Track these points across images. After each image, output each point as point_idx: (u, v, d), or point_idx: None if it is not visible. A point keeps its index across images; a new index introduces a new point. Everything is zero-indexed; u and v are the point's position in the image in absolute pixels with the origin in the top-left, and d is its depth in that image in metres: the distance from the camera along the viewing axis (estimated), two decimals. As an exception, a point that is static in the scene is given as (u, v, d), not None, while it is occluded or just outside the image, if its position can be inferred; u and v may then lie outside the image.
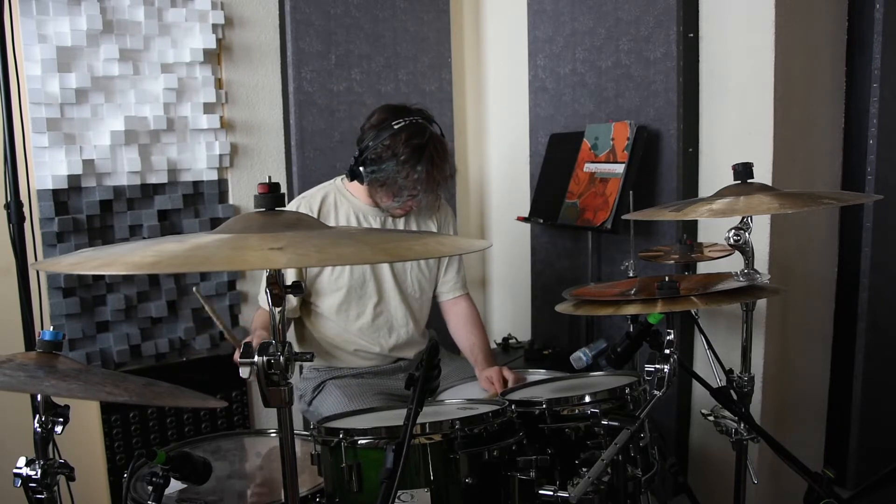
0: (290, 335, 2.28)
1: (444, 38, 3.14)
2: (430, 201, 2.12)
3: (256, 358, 1.09)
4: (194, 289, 1.52)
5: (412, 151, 1.96)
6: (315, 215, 2.11)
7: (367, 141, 2.03)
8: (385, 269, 2.18)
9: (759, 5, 2.16)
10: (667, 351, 1.44)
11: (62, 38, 2.37)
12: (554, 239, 2.99)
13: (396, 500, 1.25)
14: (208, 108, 2.65)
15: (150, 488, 1.32)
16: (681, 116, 2.36)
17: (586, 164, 2.61)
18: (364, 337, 2.19)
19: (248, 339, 1.88)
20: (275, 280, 1.10)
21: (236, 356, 1.84)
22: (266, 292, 1.10)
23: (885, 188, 2.28)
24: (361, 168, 2.04)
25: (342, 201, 2.17)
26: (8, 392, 1.09)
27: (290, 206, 2.13)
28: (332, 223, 2.12)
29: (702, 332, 1.88)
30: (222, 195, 2.72)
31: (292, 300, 2.12)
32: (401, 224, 2.20)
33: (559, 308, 1.72)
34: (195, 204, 2.67)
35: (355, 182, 2.13)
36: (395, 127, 1.99)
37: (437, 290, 2.32)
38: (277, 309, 1.11)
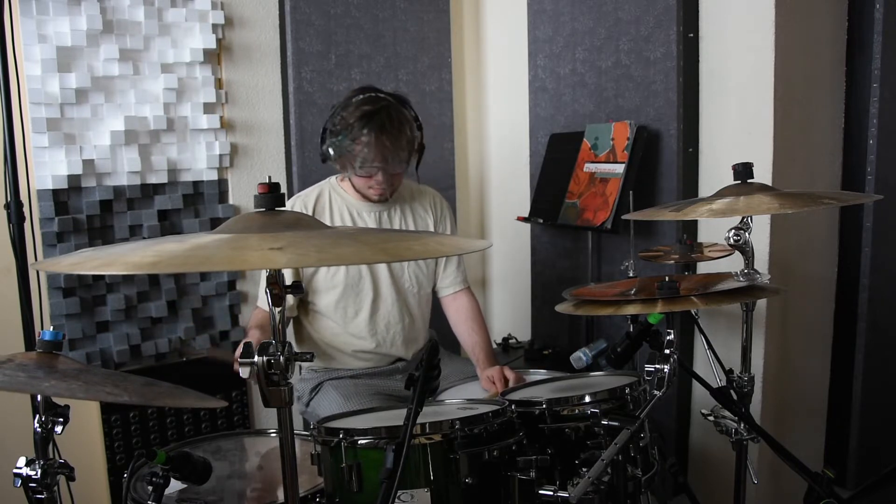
0: (289, 335, 2.29)
1: (444, 38, 3.14)
2: (394, 174, 2.06)
3: (256, 358, 1.09)
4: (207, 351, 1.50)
5: (360, 116, 1.99)
6: (310, 213, 2.13)
7: (329, 118, 2.06)
8: (381, 265, 2.18)
9: (759, 5, 2.16)
10: (667, 351, 1.44)
11: (62, 38, 2.37)
12: (554, 239, 2.99)
13: (396, 500, 1.25)
14: (208, 108, 2.65)
15: (150, 488, 1.32)
16: (681, 116, 2.36)
17: (586, 164, 2.61)
18: (362, 334, 2.18)
19: (245, 340, 1.89)
20: (275, 280, 1.10)
21: (236, 367, 1.86)
22: (266, 292, 1.10)
23: (885, 188, 2.28)
24: (323, 145, 2.07)
25: (336, 199, 2.18)
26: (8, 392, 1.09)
27: (286, 206, 2.13)
28: (326, 220, 2.13)
29: (702, 332, 1.88)
30: (222, 195, 2.72)
31: (290, 299, 2.12)
32: (396, 219, 2.20)
33: (559, 308, 1.72)
34: (195, 204, 2.67)
35: (348, 180, 2.15)
36: (354, 101, 2.03)
37: (436, 285, 2.32)
38: (277, 309, 1.11)
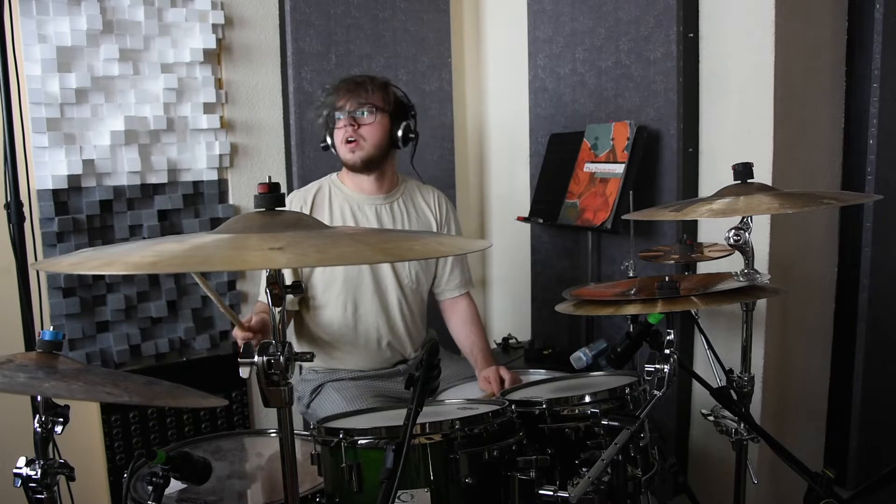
0: (290, 331, 2.29)
1: (444, 38, 3.14)
2: (364, 125, 2.10)
3: (256, 358, 1.09)
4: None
5: (336, 82, 2.18)
6: (308, 207, 2.15)
7: None
8: None
9: (759, 5, 2.16)
10: (667, 351, 1.43)
11: (62, 38, 2.37)
12: (554, 239, 2.99)
13: (396, 500, 1.25)
14: (208, 108, 2.65)
15: (150, 488, 1.32)
16: (681, 116, 2.36)
17: (586, 164, 2.61)
18: (363, 329, 2.19)
19: (248, 318, 1.91)
20: (275, 280, 1.10)
21: (236, 331, 1.86)
22: (266, 292, 1.10)
23: (885, 188, 2.28)
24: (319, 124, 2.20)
25: (336, 193, 2.20)
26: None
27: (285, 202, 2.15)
28: (325, 214, 2.15)
29: (702, 332, 1.88)
30: (222, 195, 2.72)
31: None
32: (397, 214, 2.21)
33: (559, 308, 1.72)
34: (195, 204, 2.67)
35: (348, 174, 2.19)
36: None
37: (439, 288, 2.33)
38: (277, 309, 1.11)
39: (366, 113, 2.10)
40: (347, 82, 2.13)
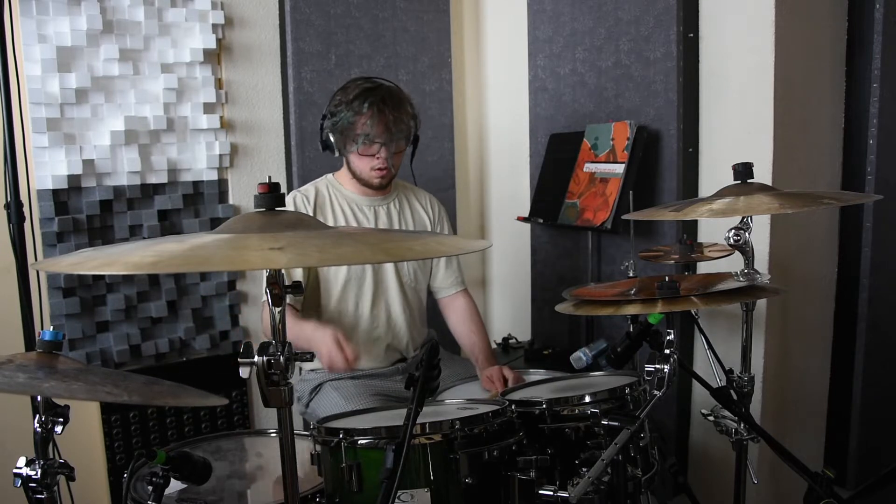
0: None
1: (444, 38, 3.14)
2: (396, 153, 2.09)
3: (256, 358, 1.09)
4: None
5: (360, 93, 2.04)
6: (311, 206, 2.15)
7: (328, 104, 2.11)
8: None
9: (759, 5, 2.16)
10: (667, 351, 1.44)
11: (62, 38, 2.37)
12: (554, 239, 2.99)
13: (396, 500, 1.25)
14: (208, 108, 2.65)
15: (150, 488, 1.32)
16: (681, 116, 2.36)
17: (586, 164, 2.61)
18: (364, 327, 2.19)
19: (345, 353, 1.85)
20: (275, 280, 1.10)
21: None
22: (266, 292, 1.10)
23: (885, 188, 2.28)
24: (323, 131, 2.11)
25: (335, 194, 2.20)
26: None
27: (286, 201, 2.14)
28: (328, 216, 2.15)
29: (702, 332, 1.88)
30: (222, 195, 2.72)
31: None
32: (395, 213, 2.22)
33: (559, 308, 1.72)
34: (195, 204, 2.67)
35: (350, 178, 2.17)
36: (352, 84, 2.10)
37: (434, 286, 2.33)
38: (277, 309, 1.11)
39: (400, 144, 2.09)
40: (383, 112, 2.01)
